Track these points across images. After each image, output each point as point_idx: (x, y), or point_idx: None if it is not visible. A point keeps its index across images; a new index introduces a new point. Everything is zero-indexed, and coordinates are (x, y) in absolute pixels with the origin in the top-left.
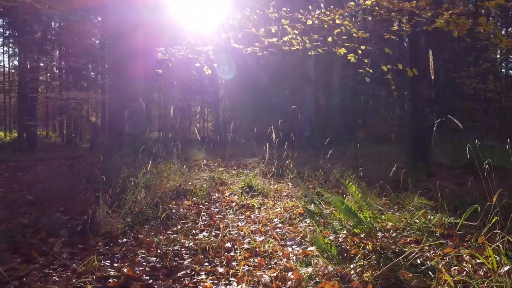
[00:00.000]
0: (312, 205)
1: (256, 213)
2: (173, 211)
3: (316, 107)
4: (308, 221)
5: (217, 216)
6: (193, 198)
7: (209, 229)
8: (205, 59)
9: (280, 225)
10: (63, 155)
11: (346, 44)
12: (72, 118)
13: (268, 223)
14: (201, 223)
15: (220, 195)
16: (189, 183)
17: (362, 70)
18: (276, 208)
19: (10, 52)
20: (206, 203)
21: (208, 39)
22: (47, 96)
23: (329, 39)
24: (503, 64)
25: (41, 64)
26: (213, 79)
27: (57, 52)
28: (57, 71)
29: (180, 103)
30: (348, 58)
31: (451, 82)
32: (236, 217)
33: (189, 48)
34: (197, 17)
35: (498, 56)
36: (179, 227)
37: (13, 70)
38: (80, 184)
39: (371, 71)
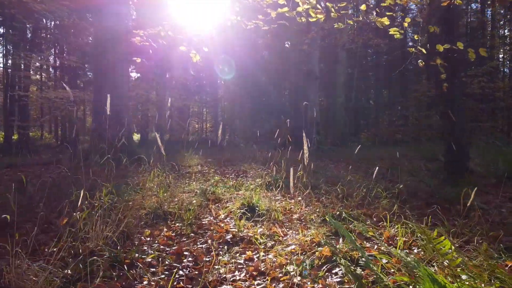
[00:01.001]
0: (341, 240)
1: (261, 254)
2: (145, 248)
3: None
4: (340, 273)
5: (204, 259)
6: (177, 224)
7: (191, 286)
8: (193, 43)
9: (298, 279)
10: (38, 161)
11: (388, 14)
12: (67, 119)
13: (280, 275)
14: (181, 272)
15: (212, 218)
16: (175, 199)
17: (413, 50)
18: (289, 244)
19: (4, 52)
20: (192, 234)
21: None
22: (36, 96)
23: (363, 6)
24: (507, 63)
25: (37, 64)
26: (212, 79)
27: (52, 51)
28: (52, 70)
29: (178, 103)
30: (391, 33)
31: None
32: (232, 261)
33: (172, 28)
34: (196, 14)
35: (501, 55)
36: (145, 283)
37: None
38: (36, 205)
39: (424, 52)
